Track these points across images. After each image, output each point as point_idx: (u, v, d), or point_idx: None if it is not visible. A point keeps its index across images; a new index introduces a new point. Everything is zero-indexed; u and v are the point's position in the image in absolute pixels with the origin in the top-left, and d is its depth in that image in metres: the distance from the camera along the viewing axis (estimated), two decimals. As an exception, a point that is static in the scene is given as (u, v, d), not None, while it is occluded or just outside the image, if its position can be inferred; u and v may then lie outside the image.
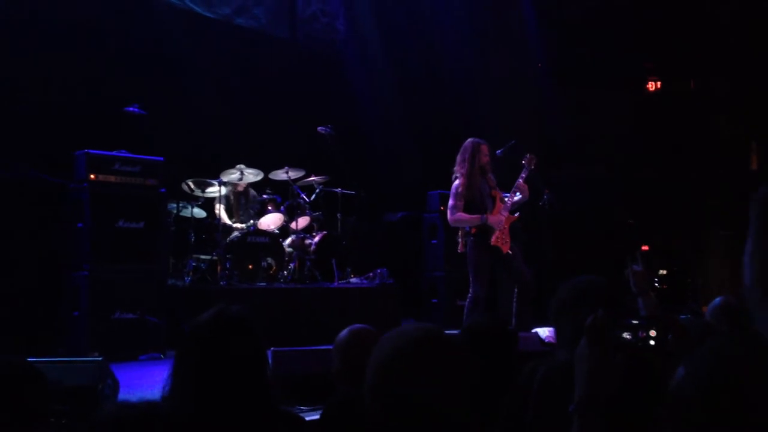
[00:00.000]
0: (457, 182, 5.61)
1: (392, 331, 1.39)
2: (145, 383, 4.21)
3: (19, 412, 1.63)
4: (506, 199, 5.64)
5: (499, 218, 5.53)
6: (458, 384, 1.30)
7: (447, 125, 8.78)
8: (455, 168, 5.68)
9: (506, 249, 5.56)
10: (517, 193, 5.63)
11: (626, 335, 1.47)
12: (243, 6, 8.21)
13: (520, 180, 5.65)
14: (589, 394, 1.43)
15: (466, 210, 5.55)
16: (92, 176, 5.55)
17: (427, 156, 8.70)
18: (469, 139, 5.71)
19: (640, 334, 1.47)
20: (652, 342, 1.46)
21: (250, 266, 6.71)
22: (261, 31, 8.38)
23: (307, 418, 2.37)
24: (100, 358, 3.62)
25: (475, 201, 5.58)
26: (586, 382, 1.44)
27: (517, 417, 1.80)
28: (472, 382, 1.34)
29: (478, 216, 5.52)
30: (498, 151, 5.94)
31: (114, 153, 5.75)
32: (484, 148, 5.64)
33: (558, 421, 1.52)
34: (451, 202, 5.59)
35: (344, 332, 2.37)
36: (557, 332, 1.96)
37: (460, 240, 5.71)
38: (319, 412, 2.54)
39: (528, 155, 5.68)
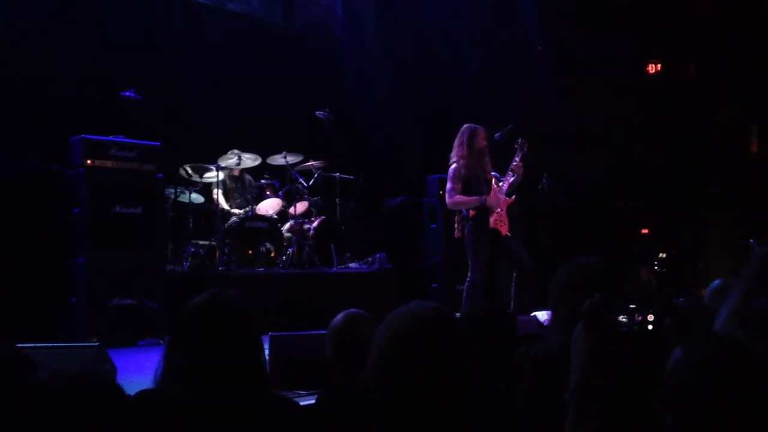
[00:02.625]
0: (454, 166, 5.61)
1: (396, 311, 1.38)
2: (144, 368, 4.20)
3: (10, 401, 1.61)
4: (502, 181, 5.64)
5: (498, 199, 5.53)
6: (462, 364, 1.29)
7: (445, 110, 8.74)
8: (452, 153, 5.67)
9: (505, 231, 5.57)
10: (513, 175, 5.63)
11: (623, 319, 1.45)
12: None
13: (516, 161, 5.64)
14: (586, 381, 1.42)
15: (464, 193, 5.54)
16: (89, 161, 5.52)
17: (426, 141, 8.66)
18: (466, 125, 5.71)
19: (637, 317, 1.45)
20: (650, 327, 1.44)
21: (249, 251, 6.70)
22: (254, 16, 8.32)
23: (305, 403, 2.37)
24: (97, 344, 3.61)
25: (472, 184, 5.57)
26: (583, 368, 1.42)
27: (511, 401, 1.79)
28: (476, 364, 1.33)
29: (477, 198, 5.51)
30: (496, 135, 5.91)
31: (110, 138, 5.71)
32: (481, 132, 5.64)
33: (551, 405, 1.50)
34: (449, 185, 5.59)
35: (339, 317, 2.35)
36: (553, 315, 1.94)
37: (456, 225, 5.71)
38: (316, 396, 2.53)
39: (520, 140, 5.68)
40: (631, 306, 1.45)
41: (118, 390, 1.35)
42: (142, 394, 1.75)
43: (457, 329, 1.31)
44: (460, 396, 1.26)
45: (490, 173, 5.68)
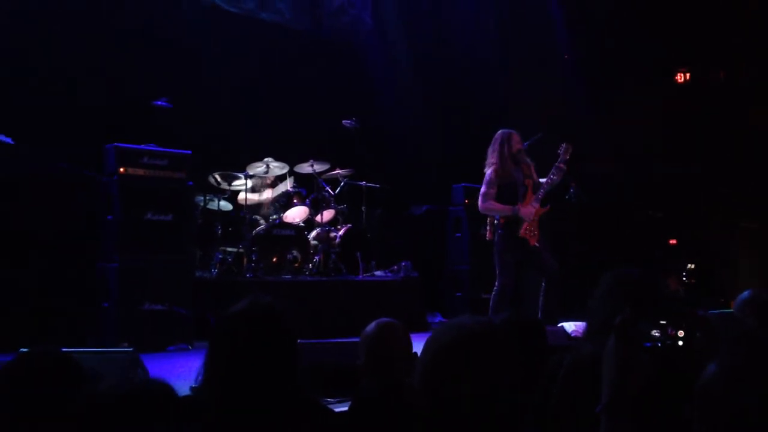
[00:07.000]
0: (489, 171, 5.61)
1: (447, 323, 1.41)
2: (174, 374, 4.27)
3: (56, 401, 1.67)
4: (543, 182, 5.60)
5: (530, 210, 5.51)
6: (509, 379, 1.32)
7: (472, 118, 8.75)
8: (486, 160, 5.67)
9: (534, 241, 5.54)
10: (555, 175, 5.57)
11: (655, 333, 1.46)
12: (266, 0, 8.26)
13: (560, 163, 5.57)
14: (617, 394, 1.43)
15: (498, 199, 5.53)
16: (121, 169, 5.62)
17: (452, 149, 8.68)
18: (500, 130, 5.71)
19: (670, 332, 1.47)
20: (680, 342, 1.46)
21: (276, 259, 6.76)
22: (285, 26, 8.42)
23: (335, 410, 2.40)
24: (131, 349, 3.68)
25: (508, 189, 5.56)
26: (615, 382, 1.43)
27: (543, 408, 1.81)
28: (521, 378, 1.35)
29: (510, 207, 5.50)
30: (524, 144, 5.91)
31: (143, 146, 5.81)
32: (515, 137, 5.63)
33: (581, 412, 1.52)
34: (483, 189, 5.57)
35: (371, 326, 2.39)
36: (588, 323, 1.95)
37: (488, 228, 5.71)
38: (345, 404, 2.56)
39: (564, 144, 5.63)
40: (663, 321, 1.46)
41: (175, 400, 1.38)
42: (181, 400, 1.80)
43: (507, 344, 1.34)
44: (504, 408, 1.29)
45: (530, 177, 5.65)
